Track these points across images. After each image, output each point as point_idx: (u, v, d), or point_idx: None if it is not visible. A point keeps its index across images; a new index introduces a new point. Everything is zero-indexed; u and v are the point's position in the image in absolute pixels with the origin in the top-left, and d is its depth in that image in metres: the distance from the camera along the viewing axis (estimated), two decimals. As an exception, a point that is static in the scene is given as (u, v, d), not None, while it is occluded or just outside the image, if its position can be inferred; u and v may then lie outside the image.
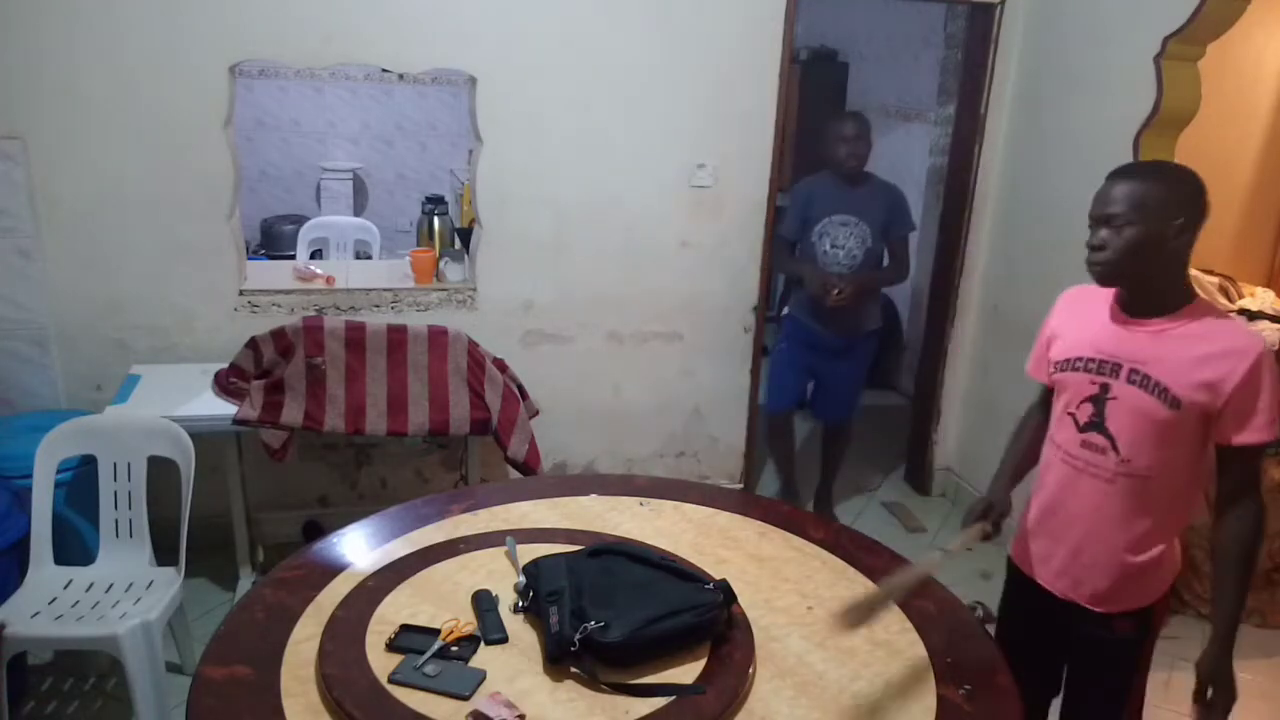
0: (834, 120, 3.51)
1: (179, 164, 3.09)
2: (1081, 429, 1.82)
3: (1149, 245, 1.69)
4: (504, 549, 1.93)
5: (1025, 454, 2.06)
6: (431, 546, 1.95)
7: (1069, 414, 1.84)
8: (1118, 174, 1.78)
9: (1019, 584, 2.04)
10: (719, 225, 3.63)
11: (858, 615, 1.70)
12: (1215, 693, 1.82)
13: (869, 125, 3.47)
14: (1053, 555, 1.91)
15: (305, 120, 6.15)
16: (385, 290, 3.44)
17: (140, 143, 3.05)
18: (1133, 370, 1.74)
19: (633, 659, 1.56)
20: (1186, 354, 1.70)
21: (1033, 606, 1.98)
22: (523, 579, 1.74)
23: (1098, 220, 1.75)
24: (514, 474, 3.15)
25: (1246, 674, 3.11)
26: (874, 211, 3.46)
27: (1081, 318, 1.89)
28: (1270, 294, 3.95)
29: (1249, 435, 1.67)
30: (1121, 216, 1.71)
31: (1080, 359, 1.82)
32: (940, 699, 1.57)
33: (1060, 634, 1.96)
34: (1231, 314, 1.82)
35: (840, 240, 3.45)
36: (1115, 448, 1.78)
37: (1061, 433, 1.87)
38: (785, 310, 3.81)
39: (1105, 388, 1.78)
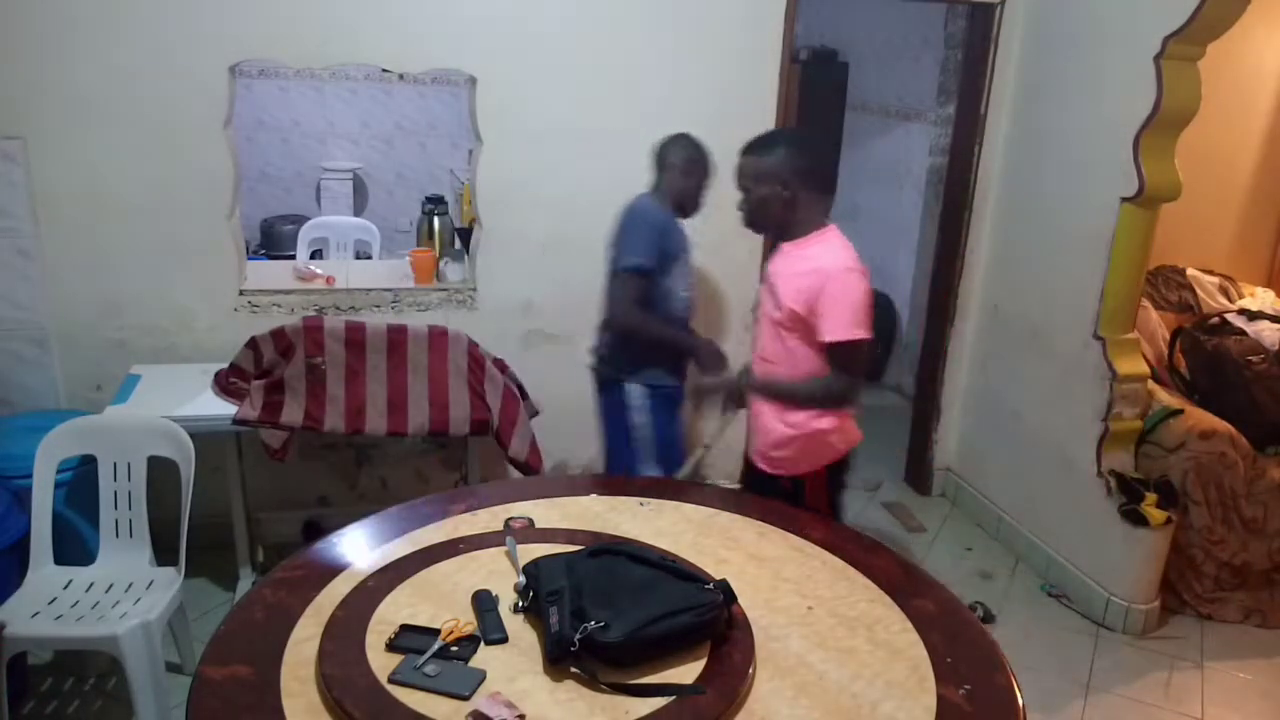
0: (695, 149, 2.86)
1: (179, 164, 3.09)
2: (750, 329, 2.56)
3: (772, 201, 2.27)
4: (504, 549, 1.93)
5: None
6: (431, 546, 1.95)
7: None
8: (744, 149, 2.32)
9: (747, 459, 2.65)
10: (719, 225, 3.62)
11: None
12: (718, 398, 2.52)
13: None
14: (752, 433, 2.53)
15: (305, 120, 6.15)
16: (385, 290, 3.44)
17: (140, 143, 3.05)
18: (768, 282, 2.36)
19: (633, 659, 1.56)
20: (795, 269, 2.26)
21: (750, 476, 2.62)
22: (523, 579, 1.74)
23: (738, 187, 2.34)
24: (514, 474, 3.15)
25: (1246, 674, 3.12)
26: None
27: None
28: (1270, 294, 3.96)
29: (828, 335, 2.19)
30: (747, 186, 2.30)
31: (763, 276, 2.48)
32: (940, 699, 1.56)
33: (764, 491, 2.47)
34: (837, 239, 2.29)
35: (690, 281, 2.92)
36: (757, 342, 2.44)
37: None
38: (632, 382, 2.87)
39: (759, 294, 2.43)
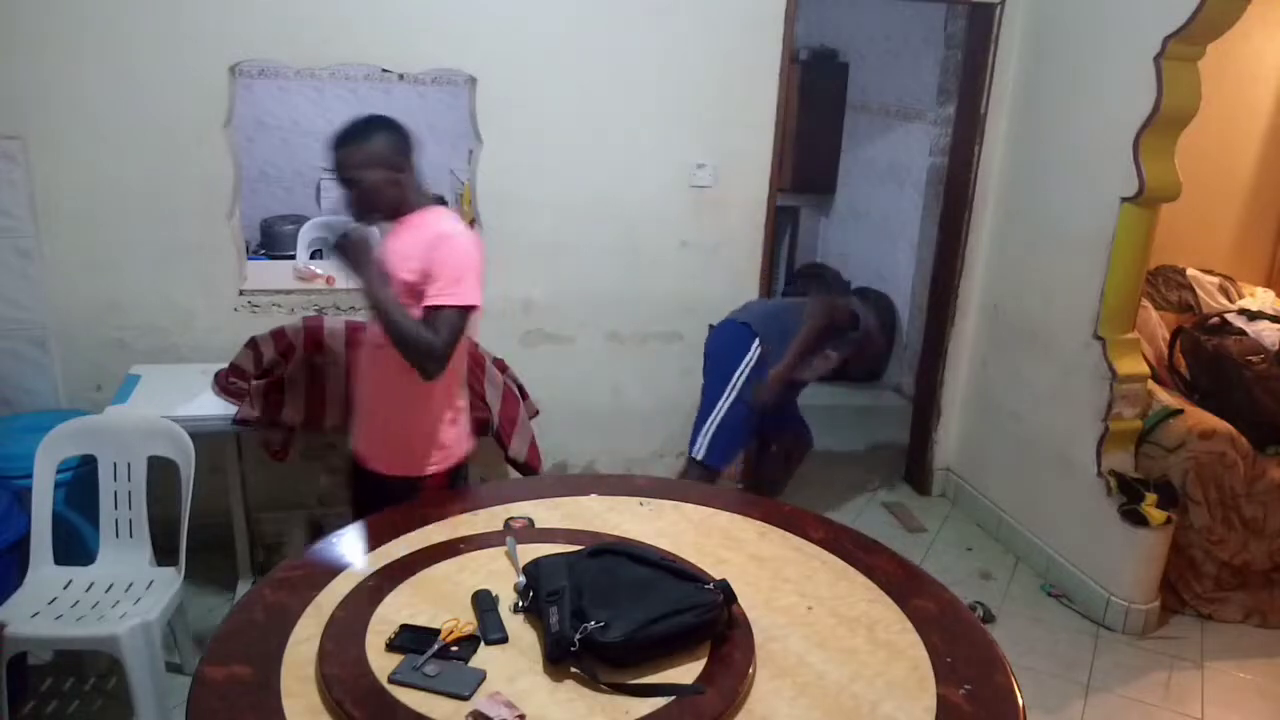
0: (882, 328, 3.40)
1: (179, 164, 3.09)
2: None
3: (384, 186, 2.16)
4: (504, 549, 1.93)
5: None
6: (431, 546, 1.95)
7: None
8: (340, 141, 2.16)
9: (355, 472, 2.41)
10: (719, 225, 3.63)
11: None
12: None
13: None
14: (363, 427, 2.37)
15: (305, 120, 6.14)
16: (385, 290, 3.44)
17: (140, 143, 3.05)
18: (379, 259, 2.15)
19: (633, 659, 1.56)
20: (409, 240, 2.17)
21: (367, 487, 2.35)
22: (523, 579, 1.74)
23: (342, 180, 2.18)
24: (514, 474, 3.15)
25: (1246, 674, 3.12)
26: None
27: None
28: (1270, 294, 3.97)
29: (432, 297, 2.11)
30: (354, 176, 2.15)
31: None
32: (940, 699, 1.56)
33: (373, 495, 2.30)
34: (449, 212, 2.29)
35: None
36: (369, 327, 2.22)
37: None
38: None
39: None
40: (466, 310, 2.14)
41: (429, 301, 2.11)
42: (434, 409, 2.27)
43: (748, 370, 3.19)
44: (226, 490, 3.13)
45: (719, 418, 3.21)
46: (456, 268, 2.12)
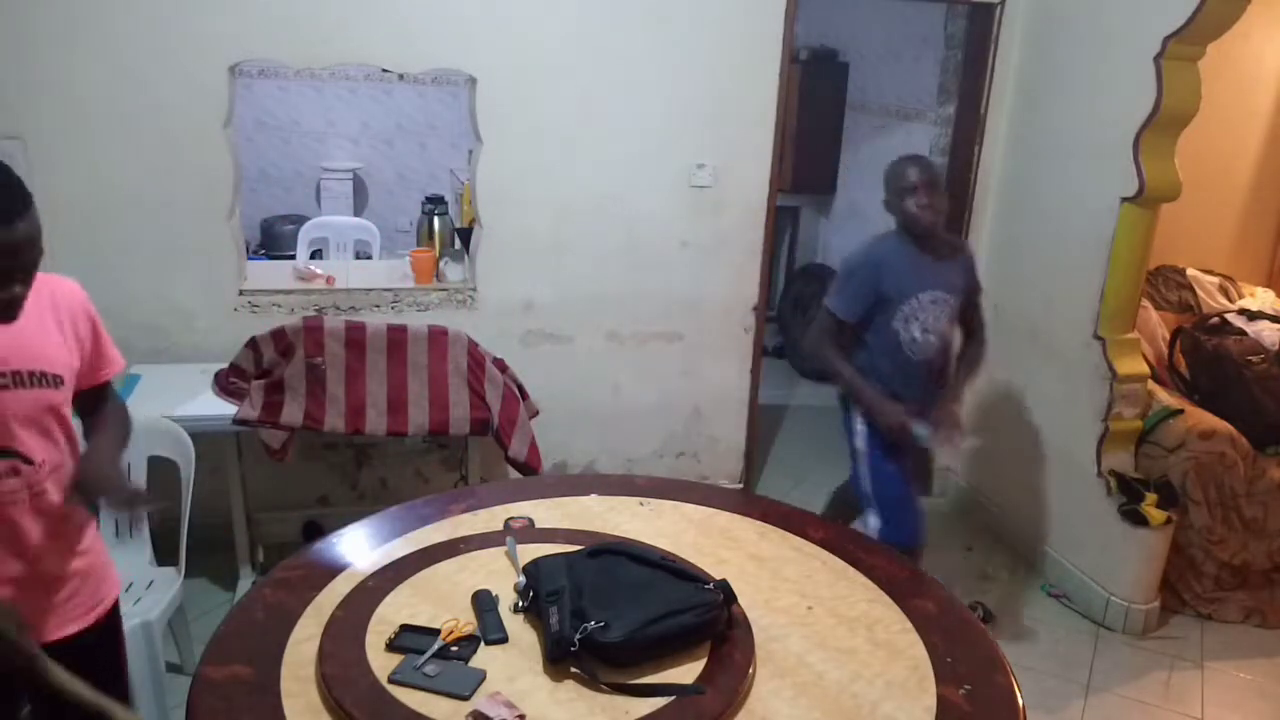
0: (897, 165, 2.70)
1: (179, 164, 3.09)
2: None
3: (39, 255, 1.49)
4: (504, 549, 1.93)
5: None
6: (431, 546, 1.95)
7: None
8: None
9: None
10: (719, 225, 3.63)
11: None
12: None
13: (937, 169, 2.76)
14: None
15: (305, 120, 6.15)
16: (385, 290, 3.44)
17: (140, 143, 3.05)
18: None
19: (633, 659, 1.56)
20: (36, 309, 1.59)
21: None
22: (523, 579, 1.74)
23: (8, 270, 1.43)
24: (514, 474, 3.15)
25: (1246, 674, 3.12)
26: (957, 279, 2.80)
27: None
28: (1270, 294, 3.97)
29: (110, 370, 1.80)
30: (32, 258, 1.47)
31: None
32: (940, 699, 1.56)
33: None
34: None
35: (931, 324, 2.73)
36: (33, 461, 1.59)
37: None
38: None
39: None
40: None
41: (109, 375, 1.81)
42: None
43: (864, 437, 2.87)
44: (226, 490, 3.13)
45: (868, 489, 2.91)
46: (101, 329, 1.82)
